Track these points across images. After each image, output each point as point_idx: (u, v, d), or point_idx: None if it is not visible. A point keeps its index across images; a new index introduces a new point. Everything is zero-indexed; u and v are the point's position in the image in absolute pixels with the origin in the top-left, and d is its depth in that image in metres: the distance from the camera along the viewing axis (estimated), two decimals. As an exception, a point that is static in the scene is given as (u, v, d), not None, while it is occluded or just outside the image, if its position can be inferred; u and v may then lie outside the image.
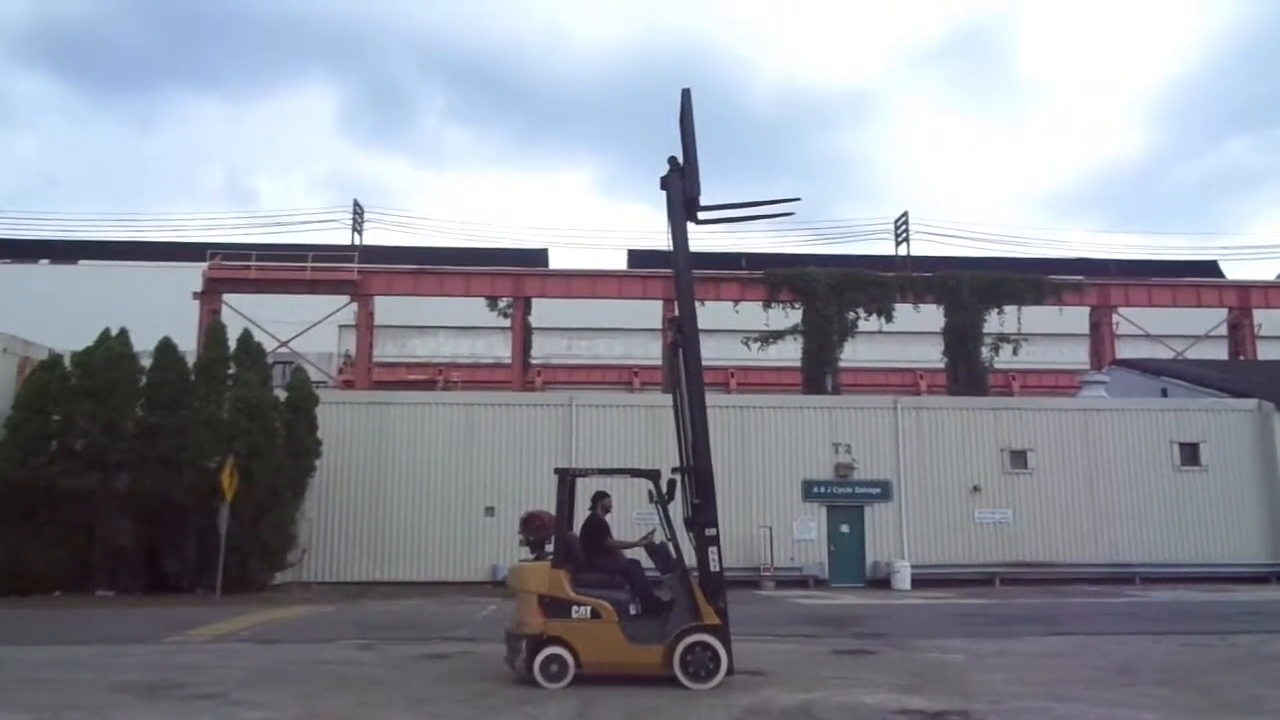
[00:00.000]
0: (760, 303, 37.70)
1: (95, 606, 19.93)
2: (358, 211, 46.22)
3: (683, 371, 10.35)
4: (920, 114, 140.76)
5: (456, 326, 49.64)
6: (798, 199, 11.10)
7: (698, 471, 10.02)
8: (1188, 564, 26.46)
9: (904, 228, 45.09)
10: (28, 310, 38.77)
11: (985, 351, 38.26)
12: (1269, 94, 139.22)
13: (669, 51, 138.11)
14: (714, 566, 9.76)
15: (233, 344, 24.26)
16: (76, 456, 21.69)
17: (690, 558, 10.00)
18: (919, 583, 25.27)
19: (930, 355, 41.37)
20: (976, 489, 27.02)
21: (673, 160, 10.79)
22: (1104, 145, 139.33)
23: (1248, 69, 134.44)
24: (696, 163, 10.67)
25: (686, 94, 10.81)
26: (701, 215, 10.84)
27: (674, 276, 10.63)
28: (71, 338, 24.63)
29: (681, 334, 10.36)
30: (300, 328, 38.34)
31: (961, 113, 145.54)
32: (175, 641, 14.03)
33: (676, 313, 10.77)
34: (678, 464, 10.39)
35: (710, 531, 9.85)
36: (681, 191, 10.61)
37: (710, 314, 31.89)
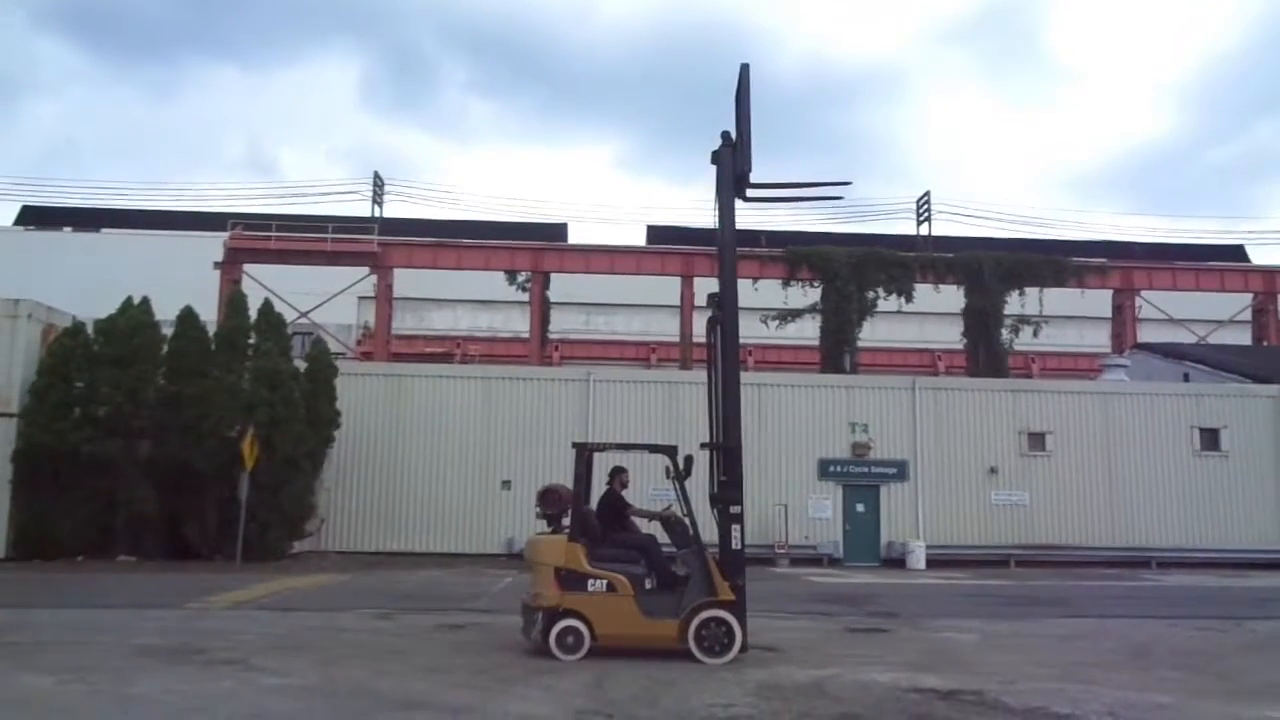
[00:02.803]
0: (779, 280, 37.55)
1: (117, 572, 20.22)
2: (378, 184, 46.35)
3: (719, 348, 10.30)
4: (946, 93, 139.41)
5: (475, 300, 49.71)
6: (848, 183, 10.95)
7: (727, 449, 10.01)
8: (1205, 549, 26.36)
9: (926, 207, 44.80)
10: (51, 277, 39.15)
11: (1005, 333, 38.04)
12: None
13: (694, 24, 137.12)
14: (735, 544, 9.77)
15: (253, 314, 24.41)
16: (99, 423, 21.93)
17: (707, 533, 10.02)
18: (933, 563, 25.29)
19: (949, 336, 41.18)
20: (993, 470, 26.96)
21: (725, 135, 10.58)
22: (1132, 127, 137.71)
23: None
24: (749, 139, 10.48)
25: (745, 69, 10.63)
26: (751, 193, 10.70)
27: (718, 252, 10.46)
28: (93, 305, 24.87)
29: (721, 310, 10.29)
30: (320, 299, 38.53)
31: (988, 92, 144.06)
32: (196, 607, 14.21)
33: (717, 287, 10.63)
34: (706, 440, 10.41)
35: (735, 509, 9.85)
36: (732, 167, 10.48)
37: (729, 291, 31.76)
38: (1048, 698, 8.08)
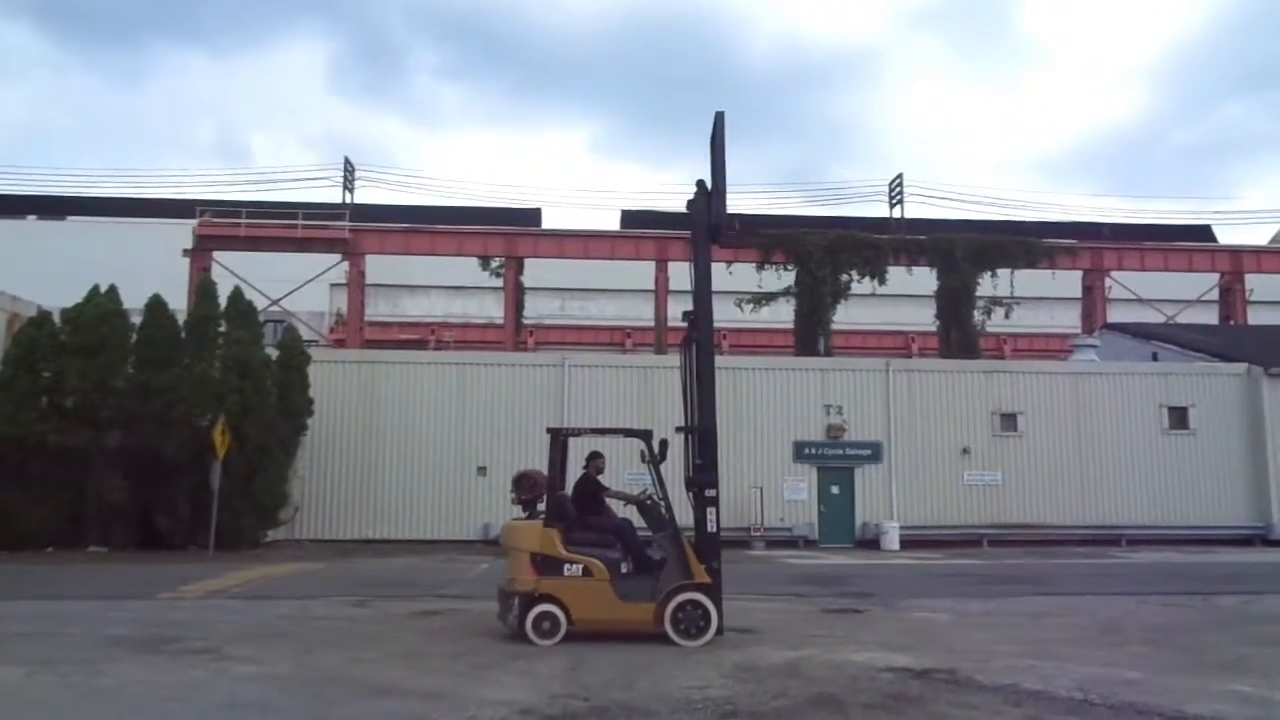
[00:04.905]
0: (753, 264, 37.53)
1: (88, 562, 19.98)
2: (349, 169, 45.86)
3: (694, 371, 10.30)
4: (918, 75, 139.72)
5: (449, 286, 49.42)
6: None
7: (703, 432, 10.03)
8: (1173, 526, 26.74)
9: (898, 190, 44.89)
10: (15, 266, 38.42)
11: (977, 314, 38.27)
12: (1269, 57, 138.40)
13: (666, 6, 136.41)
14: (711, 527, 9.82)
15: (223, 302, 24.15)
16: (67, 413, 21.64)
17: (683, 516, 10.04)
18: (907, 543, 25.49)
19: (922, 318, 41.37)
20: (966, 451, 27.18)
21: (700, 184, 10.52)
22: (1102, 109, 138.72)
23: (1250, 32, 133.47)
24: (725, 188, 10.38)
25: (720, 117, 10.51)
26: (725, 241, 10.71)
27: (694, 296, 10.21)
28: (59, 294, 24.51)
29: (696, 329, 10.27)
30: (291, 286, 38.14)
31: (960, 75, 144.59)
32: (168, 597, 14.09)
33: (690, 271, 10.59)
34: (681, 423, 10.43)
35: (710, 493, 9.89)
36: (708, 218, 10.34)
37: (703, 275, 31.74)
38: (1019, 675, 8.18)
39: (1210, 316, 41.16)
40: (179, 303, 26.93)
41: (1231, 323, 39.79)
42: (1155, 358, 30.87)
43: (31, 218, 55.96)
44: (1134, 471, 27.42)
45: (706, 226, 10.38)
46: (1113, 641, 10.30)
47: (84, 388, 21.70)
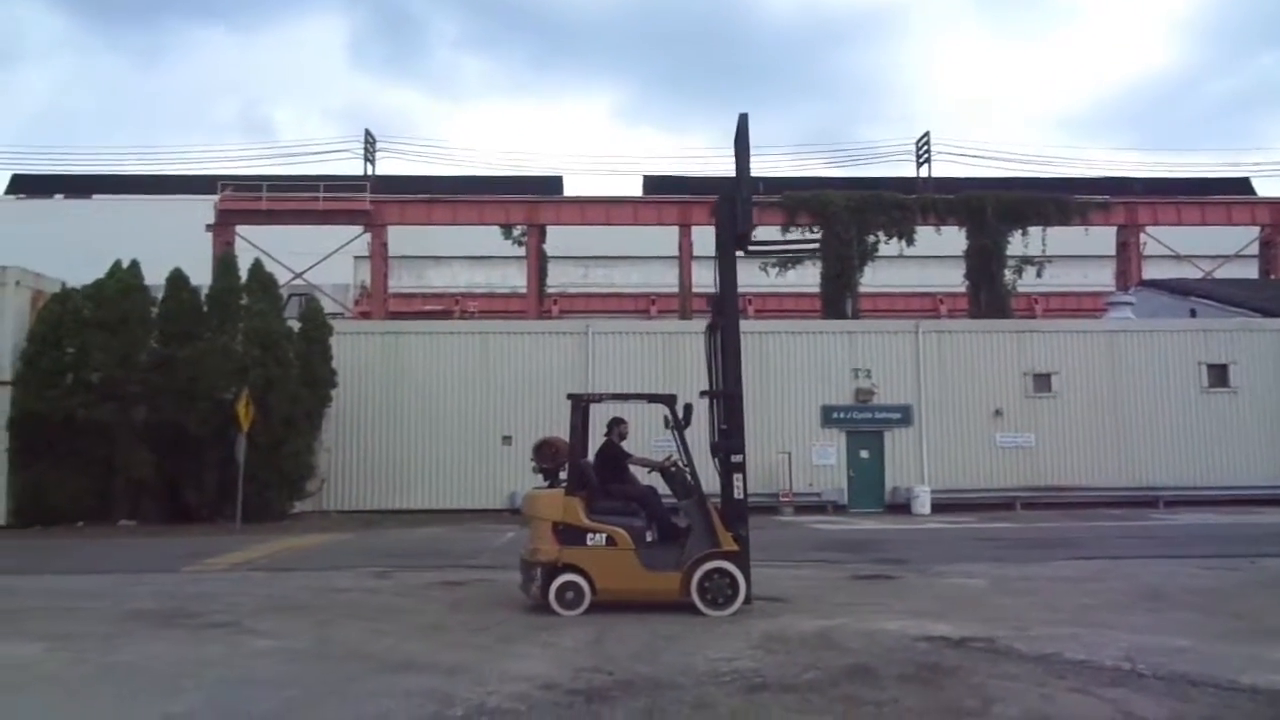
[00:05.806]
0: (778, 227, 36.91)
1: (117, 536, 20.10)
2: (369, 141, 45.58)
3: (718, 352, 10.02)
4: (945, 31, 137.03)
5: (472, 256, 49.21)
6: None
7: (728, 396, 9.72)
8: (1213, 487, 26.12)
9: (925, 148, 43.96)
10: (42, 245, 38.63)
11: (1008, 274, 37.51)
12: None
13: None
14: (738, 493, 9.53)
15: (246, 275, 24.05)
16: (93, 388, 21.71)
17: (709, 483, 9.75)
18: (939, 507, 25.13)
19: (952, 279, 40.63)
20: (998, 413, 26.70)
21: (725, 191, 10.24)
22: (1134, 62, 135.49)
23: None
24: (749, 194, 10.17)
25: (744, 119, 10.16)
26: (750, 248, 10.43)
27: (720, 304, 9.99)
28: (86, 272, 24.47)
29: (721, 316, 9.97)
30: (315, 259, 38.08)
31: (988, 29, 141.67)
32: (192, 570, 14.05)
33: (714, 235, 10.32)
34: (706, 388, 10.17)
35: (736, 458, 9.59)
36: (733, 225, 10.01)
37: (728, 239, 31.27)
38: (1061, 643, 7.84)
39: (1250, 271, 40.16)
40: (205, 278, 26.89)
41: (1272, 277, 38.76)
42: (1193, 314, 30.15)
43: (58, 196, 56.27)
44: (1172, 431, 26.82)
45: (732, 234, 10.06)
46: (1157, 607, 9.93)
47: (108, 363, 21.74)
